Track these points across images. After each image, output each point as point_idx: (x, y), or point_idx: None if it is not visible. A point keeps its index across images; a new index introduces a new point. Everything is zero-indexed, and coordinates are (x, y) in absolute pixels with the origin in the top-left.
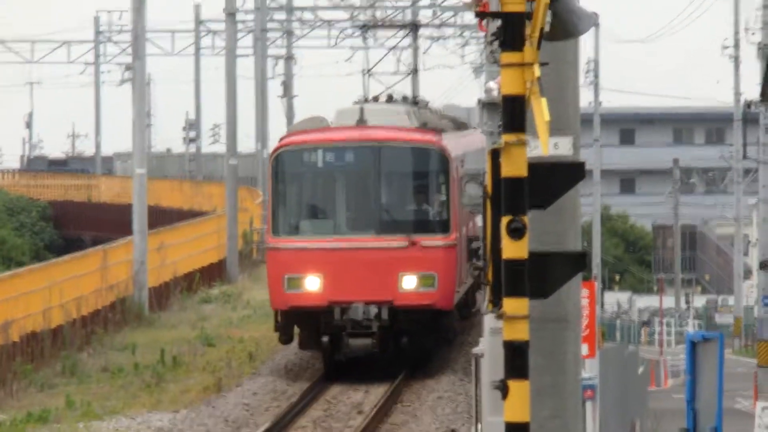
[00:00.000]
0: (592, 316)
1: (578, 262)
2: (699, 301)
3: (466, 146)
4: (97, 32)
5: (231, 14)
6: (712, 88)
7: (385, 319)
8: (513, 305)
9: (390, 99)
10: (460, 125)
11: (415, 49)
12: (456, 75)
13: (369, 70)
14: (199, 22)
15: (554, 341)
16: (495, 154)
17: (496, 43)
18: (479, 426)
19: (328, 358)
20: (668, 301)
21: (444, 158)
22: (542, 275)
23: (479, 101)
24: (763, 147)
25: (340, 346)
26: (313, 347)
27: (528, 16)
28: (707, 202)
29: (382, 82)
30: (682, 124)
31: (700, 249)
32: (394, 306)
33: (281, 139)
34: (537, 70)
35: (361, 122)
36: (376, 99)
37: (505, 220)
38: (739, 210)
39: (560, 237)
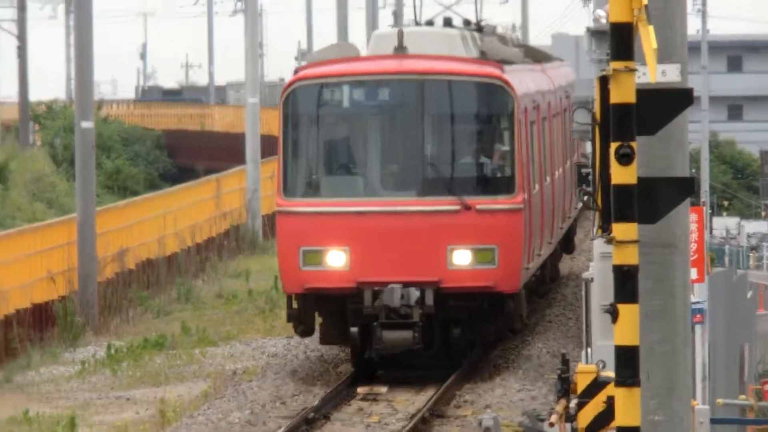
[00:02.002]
0: (700, 241)
1: (686, 188)
2: None
3: (542, 83)
4: None
5: None
6: None
7: (430, 306)
8: (622, 230)
9: (448, 24)
10: (539, 57)
11: None
12: (564, 3)
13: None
14: None
15: (663, 266)
16: (603, 81)
17: None
18: (589, 350)
19: (358, 354)
20: None
21: (507, 97)
22: (651, 200)
23: (587, 29)
24: None
25: (371, 340)
26: (339, 341)
27: None
28: None
29: (443, 4)
30: None
31: None
32: (442, 289)
33: (296, 72)
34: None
35: (400, 50)
36: (430, 23)
37: (613, 146)
38: None
39: (668, 162)
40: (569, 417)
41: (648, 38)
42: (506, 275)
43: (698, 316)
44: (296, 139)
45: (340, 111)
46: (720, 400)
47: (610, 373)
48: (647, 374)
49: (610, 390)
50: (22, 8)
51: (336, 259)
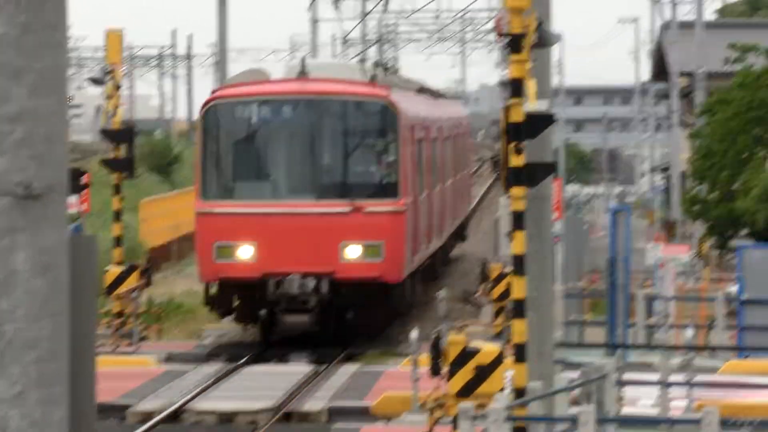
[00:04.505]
0: (558, 197)
1: (551, 168)
2: (617, 189)
3: (431, 111)
4: (292, 47)
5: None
6: (625, 72)
7: (325, 293)
8: (516, 190)
9: (362, 62)
10: (436, 95)
11: (386, 22)
12: (486, 67)
13: (345, 38)
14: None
15: (538, 210)
16: (506, 109)
17: (508, 50)
18: (499, 253)
19: (266, 333)
20: (600, 190)
21: (392, 114)
22: (532, 174)
23: (499, 81)
24: (651, 107)
25: (275, 322)
26: (250, 321)
27: (524, 35)
28: (622, 136)
29: (361, 50)
30: (607, 94)
31: (618, 162)
32: (336, 278)
33: (213, 92)
34: (529, 64)
35: (303, 74)
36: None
37: (512, 144)
38: (638, 141)
39: (541, 154)
40: (486, 292)
41: (531, 86)
42: (391, 267)
43: (557, 238)
44: (212, 150)
45: (250, 126)
46: (569, 285)
47: (508, 269)
48: (530, 269)
49: (510, 278)
50: (190, 69)
51: (245, 252)
